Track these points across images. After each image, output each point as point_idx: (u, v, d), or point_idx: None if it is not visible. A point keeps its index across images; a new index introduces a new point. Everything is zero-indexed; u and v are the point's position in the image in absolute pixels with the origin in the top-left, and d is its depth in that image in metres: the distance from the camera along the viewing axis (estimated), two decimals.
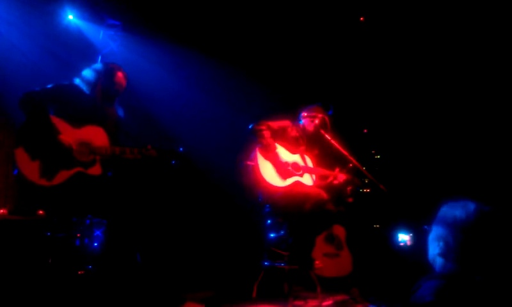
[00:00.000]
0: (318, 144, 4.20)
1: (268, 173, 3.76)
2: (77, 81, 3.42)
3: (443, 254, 1.63)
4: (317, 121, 4.13)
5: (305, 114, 4.20)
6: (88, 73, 3.45)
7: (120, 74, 3.47)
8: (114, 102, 3.57)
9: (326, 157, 4.28)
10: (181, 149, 3.50)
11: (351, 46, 5.77)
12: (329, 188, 4.02)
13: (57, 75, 4.06)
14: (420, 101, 5.61)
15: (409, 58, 5.58)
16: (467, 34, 5.18)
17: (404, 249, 5.18)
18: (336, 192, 4.12)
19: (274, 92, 5.53)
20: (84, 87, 3.41)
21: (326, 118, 4.17)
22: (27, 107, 3.14)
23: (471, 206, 1.63)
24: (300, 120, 4.24)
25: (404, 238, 5.26)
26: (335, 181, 4.07)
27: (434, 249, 1.69)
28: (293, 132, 4.12)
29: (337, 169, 4.10)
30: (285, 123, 4.12)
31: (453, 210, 1.65)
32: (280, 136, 4.00)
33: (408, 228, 5.27)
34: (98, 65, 3.52)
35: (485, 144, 5.22)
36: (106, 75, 3.43)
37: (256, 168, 3.73)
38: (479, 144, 5.25)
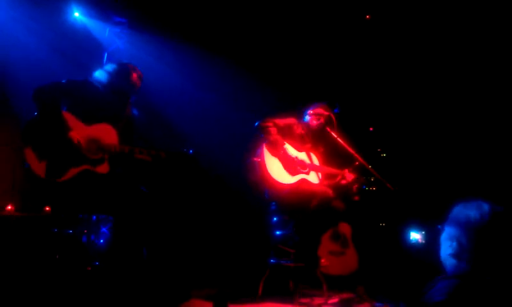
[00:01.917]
0: (323, 141, 4.20)
1: (274, 169, 3.75)
2: (92, 79, 3.44)
3: (456, 255, 1.62)
4: (322, 119, 4.13)
5: (311, 111, 4.21)
6: (103, 72, 3.47)
7: (135, 75, 3.50)
8: (129, 102, 3.59)
9: (331, 155, 4.27)
10: (191, 151, 3.50)
11: (357, 44, 5.75)
12: (337, 187, 4.03)
13: (64, 72, 4.07)
14: (427, 98, 5.57)
15: (417, 55, 5.54)
16: (478, 29, 5.13)
17: (415, 247, 5.17)
18: (342, 191, 4.12)
19: (281, 90, 5.52)
20: (99, 86, 3.42)
21: (332, 116, 4.17)
22: (40, 101, 3.15)
23: (485, 206, 1.62)
24: (305, 118, 4.24)
25: (415, 236, 5.24)
26: (343, 181, 4.08)
27: (446, 249, 1.68)
28: (299, 130, 4.13)
29: (346, 170, 4.10)
30: (291, 120, 4.12)
31: (466, 211, 1.64)
32: (286, 134, 4.00)
33: (419, 226, 5.25)
34: (113, 65, 3.54)
35: (495, 143, 5.17)
36: (121, 75, 3.46)
37: (262, 164, 3.73)
38: (488, 143, 5.21)
